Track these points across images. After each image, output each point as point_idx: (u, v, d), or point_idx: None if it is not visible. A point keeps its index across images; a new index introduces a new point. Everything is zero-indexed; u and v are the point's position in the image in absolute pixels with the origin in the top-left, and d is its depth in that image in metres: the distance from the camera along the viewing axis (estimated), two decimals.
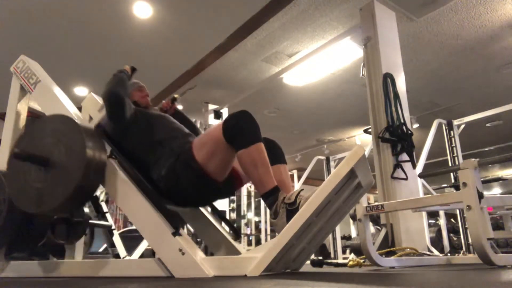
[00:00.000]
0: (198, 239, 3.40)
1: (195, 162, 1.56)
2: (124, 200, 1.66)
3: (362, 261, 2.07)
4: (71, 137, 1.64)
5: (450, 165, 4.18)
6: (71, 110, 1.93)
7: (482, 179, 1.90)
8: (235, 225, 2.18)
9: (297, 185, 6.77)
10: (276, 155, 1.69)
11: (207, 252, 2.30)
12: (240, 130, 1.51)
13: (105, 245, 3.97)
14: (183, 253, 1.42)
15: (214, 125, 1.63)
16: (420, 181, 3.33)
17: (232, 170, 1.69)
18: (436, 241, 4.29)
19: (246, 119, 1.54)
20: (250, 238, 7.41)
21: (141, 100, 2.05)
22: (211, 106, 5.58)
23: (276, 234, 1.38)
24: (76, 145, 1.61)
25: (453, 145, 4.25)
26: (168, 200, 1.66)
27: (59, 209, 1.64)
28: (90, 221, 2.44)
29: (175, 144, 1.70)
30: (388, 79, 2.99)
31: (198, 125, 5.48)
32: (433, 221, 5.44)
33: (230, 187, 1.76)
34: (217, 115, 5.56)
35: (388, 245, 2.64)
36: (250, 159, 1.47)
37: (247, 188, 6.89)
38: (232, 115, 1.57)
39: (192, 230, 3.01)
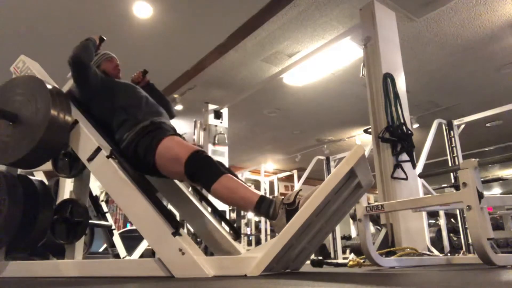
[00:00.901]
0: (198, 239, 3.39)
1: (152, 159, 1.69)
2: (124, 200, 1.66)
3: (362, 261, 2.07)
4: (39, 96, 1.76)
5: (450, 165, 4.18)
6: (72, 111, 1.93)
7: (482, 179, 1.90)
8: (235, 225, 2.17)
9: (297, 185, 6.76)
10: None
11: (207, 252, 2.30)
12: (203, 171, 1.58)
13: (105, 245, 3.97)
14: (183, 253, 1.42)
15: (181, 148, 1.66)
16: (420, 181, 3.33)
17: None
18: (436, 241, 4.28)
19: (205, 161, 1.60)
20: (250, 238, 7.41)
21: (111, 71, 2.13)
22: (211, 106, 5.57)
23: (276, 234, 1.38)
24: (43, 104, 1.74)
25: (453, 145, 4.25)
26: (124, 159, 1.76)
27: (24, 161, 1.75)
28: (90, 221, 2.44)
29: (140, 113, 1.84)
30: (388, 79, 2.99)
31: (198, 125, 5.48)
32: (433, 221, 5.44)
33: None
34: (217, 115, 5.56)
35: (388, 245, 2.64)
36: (225, 189, 1.54)
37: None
38: (190, 161, 1.60)
39: (192, 230, 3.01)
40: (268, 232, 6.76)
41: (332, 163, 6.09)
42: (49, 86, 1.81)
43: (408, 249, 2.44)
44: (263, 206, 1.46)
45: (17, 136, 1.74)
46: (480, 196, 1.52)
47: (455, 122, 4.32)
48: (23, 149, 1.71)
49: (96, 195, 3.41)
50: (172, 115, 2.16)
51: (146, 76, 2.27)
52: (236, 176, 1.70)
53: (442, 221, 4.11)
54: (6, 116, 1.76)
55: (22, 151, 1.71)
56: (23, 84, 1.86)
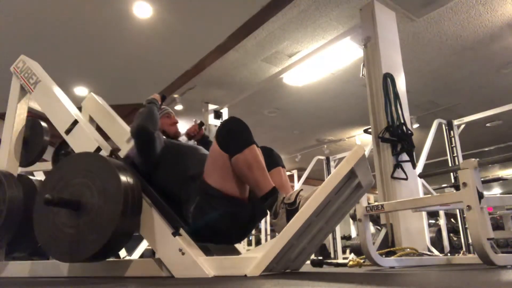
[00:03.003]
0: None
1: (212, 189, 1.51)
2: None
3: (362, 261, 2.07)
4: (104, 176, 1.49)
5: (450, 165, 4.18)
6: (72, 111, 1.93)
7: (482, 179, 1.90)
8: None
9: (297, 185, 6.76)
10: (274, 159, 1.69)
11: (207, 252, 2.29)
12: (231, 136, 1.50)
13: None
14: (183, 253, 1.42)
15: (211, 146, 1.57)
16: (420, 181, 3.33)
17: None
18: (436, 241, 4.28)
19: (235, 124, 1.52)
20: (250, 238, 7.41)
21: (169, 129, 1.99)
22: (211, 106, 5.57)
23: (276, 234, 1.38)
24: (111, 185, 1.46)
25: (453, 145, 4.25)
26: (201, 237, 1.57)
27: (95, 257, 1.47)
28: None
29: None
30: (388, 79, 2.99)
31: None
32: (433, 221, 5.44)
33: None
34: (217, 115, 5.55)
35: (388, 245, 2.64)
36: (244, 162, 1.46)
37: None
38: (221, 125, 1.56)
39: None
40: (268, 232, 6.76)
41: (332, 163, 6.10)
42: (112, 162, 1.54)
43: (408, 249, 2.44)
44: (269, 200, 1.44)
45: (84, 228, 1.46)
46: (480, 196, 1.52)
47: (455, 122, 4.32)
48: (95, 244, 1.42)
49: None
50: None
51: (202, 129, 2.12)
52: (275, 155, 1.66)
53: (442, 221, 4.11)
54: (67, 205, 1.48)
55: (94, 247, 1.42)
56: (81, 164, 1.58)
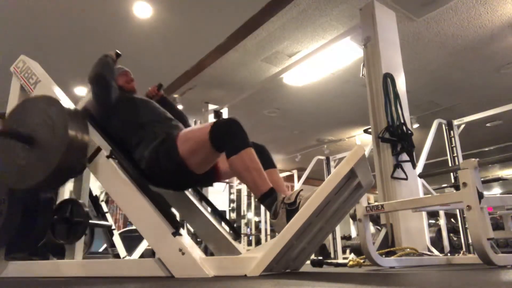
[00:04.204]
0: (198, 239, 3.39)
1: (177, 155, 1.61)
2: (124, 200, 1.66)
3: (362, 261, 2.07)
4: (56, 118, 1.70)
5: (450, 165, 4.18)
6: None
7: (482, 179, 1.90)
8: (235, 225, 2.18)
9: (297, 185, 6.77)
10: (266, 160, 1.70)
11: (207, 252, 2.30)
12: (229, 137, 1.53)
13: (105, 245, 3.97)
14: (183, 253, 1.42)
15: (202, 125, 1.64)
16: (420, 181, 3.33)
17: (214, 164, 1.75)
18: (436, 241, 4.28)
19: (234, 126, 1.54)
20: (250, 238, 7.41)
21: (126, 85, 2.10)
22: (211, 106, 5.58)
23: (276, 234, 1.38)
24: (60, 126, 1.68)
25: (453, 145, 4.25)
26: (148, 181, 1.69)
27: (40, 185, 1.71)
28: (90, 221, 2.44)
29: (158, 128, 1.78)
30: (388, 79, 2.99)
31: (198, 125, 5.47)
32: (433, 221, 5.43)
33: (208, 179, 1.85)
34: (217, 115, 5.56)
35: (388, 245, 2.64)
36: (242, 164, 1.49)
37: (247, 188, 6.89)
38: (219, 123, 1.58)
39: (192, 230, 3.01)
40: (268, 232, 6.76)
41: (332, 163, 6.09)
42: (65, 106, 1.75)
43: (408, 249, 2.44)
44: (267, 201, 1.46)
45: (34, 160, 1.68)
46: (480, 196, 1.52)
47: (455, 122, 4.32)
48: (40, 173, 1.65)
49: (96, 195, 3.41)
50: (188, 127, 2.12)
51: (161, 90, 2.24)
52: (267, 154, 1.71)
53: (442, 221, 4.11)
54: (22, 139, 1.70)
55: (39, 176, 1.65)
56: (38, 105, 1.80)
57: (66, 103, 1.81)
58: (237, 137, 1.52)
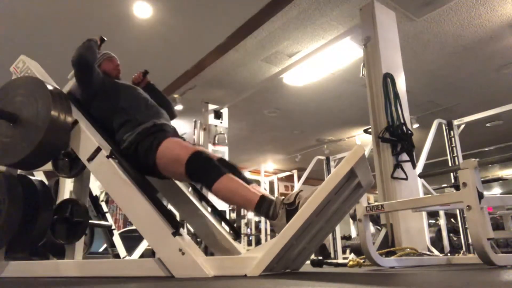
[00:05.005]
0: (198, 239, 3.39)
1: (153, 159, 1.69)
2: (124, 200, 1.66)
3: (362, 261, 2.07)
4: (39, 97, 1.76)
5: (450, 165, 4.17)
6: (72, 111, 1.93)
7: (482, 179, 1.90)
8: (235, 225, 2.17)
9: (297, 185, 6.77)
10: (243, 180, 1.69)
11: (207, 252, 2.30)
12: (203, 172, 1.59)
13: (105, 245, 3.97)
14: (183, 253, 1.42)
15: (180, 152, 1.66)
16: (420, 181, 3.33)
17: None
18: (436, 241, 4.28)
19: (203, 161, 1.60)
20: (250, 238, 7.41)
21: (112, 71, 2.13)
22: (211, 106, 5.57)
23: (276, 234, 1.38)
24: (43, 105, 1.73)
25: (453, 145, 4.25)
26: (124, 159, 1.76)
27: (24, 163, 1.76)
28: (90, 221, 2.44)
29: (141, 114, 1.84)
30: (388, 79, 2.99)
31: (198, 125, 5.47)
32: (433, 221, 5.43)
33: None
34: (217, 115, 5.55)
35: (388, 245, 2.64)
36: (226, 189, 1.54)
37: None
38: (187, 161, 1.60)
39: (192, 230, 3.01)
40: (268, 232, 6.75)
41: (332, 163, 6.09)
42: (49, 87, 1.81)
43: (408, 249, 2.44)
44: (263, 207, 1.46)
45: (17, 138, 1.74)
46: (480, 196, 1.52)
47: (455, 122, 4.32)
48: (23, 150, 1.71)
49: (96, 195, 3.41)
50: (173, 116, 2.16)
51: (147, 77, 2.27)
52: (239, 172, 1.72)
53: (442, 221, 4.11)
54: (6, 117, 1.76)
55: (22, 153, 1.71)
56: (23, 85, 1.86)
57: (50, 84, 1.88)
58: (212, 168, 1.58)
